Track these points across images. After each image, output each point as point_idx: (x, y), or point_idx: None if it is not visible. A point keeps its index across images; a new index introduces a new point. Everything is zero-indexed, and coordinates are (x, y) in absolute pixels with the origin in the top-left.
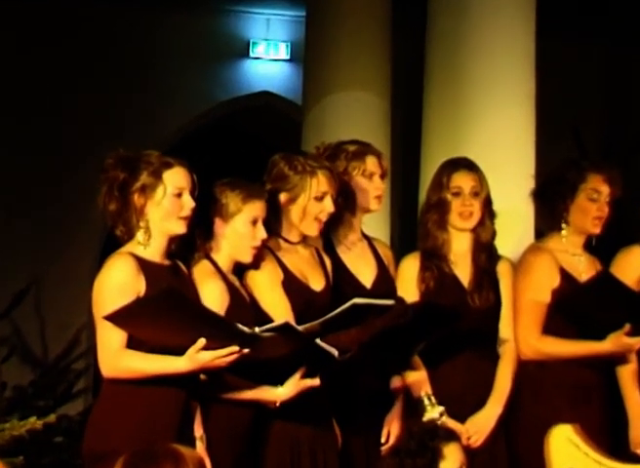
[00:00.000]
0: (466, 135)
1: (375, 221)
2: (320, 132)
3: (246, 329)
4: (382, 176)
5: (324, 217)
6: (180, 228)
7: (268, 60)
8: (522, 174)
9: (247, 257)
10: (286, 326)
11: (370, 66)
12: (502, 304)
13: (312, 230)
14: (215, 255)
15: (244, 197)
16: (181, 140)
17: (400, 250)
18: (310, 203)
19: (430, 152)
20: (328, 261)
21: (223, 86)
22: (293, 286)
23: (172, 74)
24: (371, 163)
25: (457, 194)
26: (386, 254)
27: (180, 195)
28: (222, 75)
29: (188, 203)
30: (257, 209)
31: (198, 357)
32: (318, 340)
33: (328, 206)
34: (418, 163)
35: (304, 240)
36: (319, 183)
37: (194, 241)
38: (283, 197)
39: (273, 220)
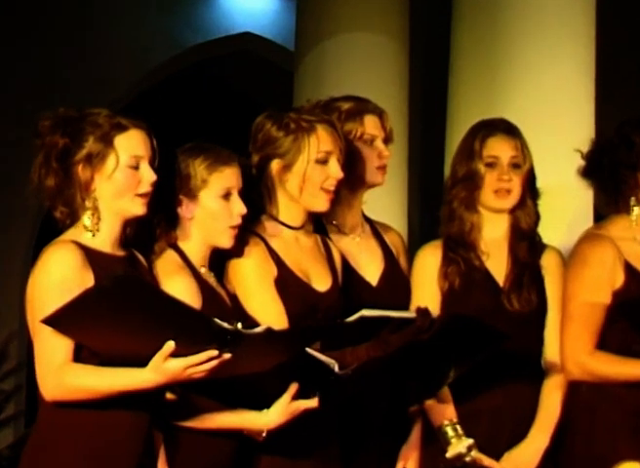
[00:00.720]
0: (504, 90)
1: (387, 201)
2: (317, 85)
3: (226, 324)
4: (386, 141)
5: (331, 186)
6: (138, 208)
7: None
8: (576, 141)
9: (225, 241)
10: (268, 332)
11: (382, 1)
12: (549, 308)
13: (319, 203)
14: (182, 245)
15: (209, 165)
16: (141, 96)
17: (421, 237)
18: (311, 167)
19: (458, 113)
20: (337, 254)
21: (194, 26)
22: (290, 285)
23: (129, 13)
24: (370, 124)
25: (491, 165)
26: (395, 242)
27: (136, 166)
28: (193, 13)
29: (147, 176)
30: (227, 177)
31: (167, 366)
32: (312, 351)
33: (334, 170)
34: (443, 126)
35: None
36: (319, 141)
37: (154, 227)
38: (275, 165)
39: (267, 200)
